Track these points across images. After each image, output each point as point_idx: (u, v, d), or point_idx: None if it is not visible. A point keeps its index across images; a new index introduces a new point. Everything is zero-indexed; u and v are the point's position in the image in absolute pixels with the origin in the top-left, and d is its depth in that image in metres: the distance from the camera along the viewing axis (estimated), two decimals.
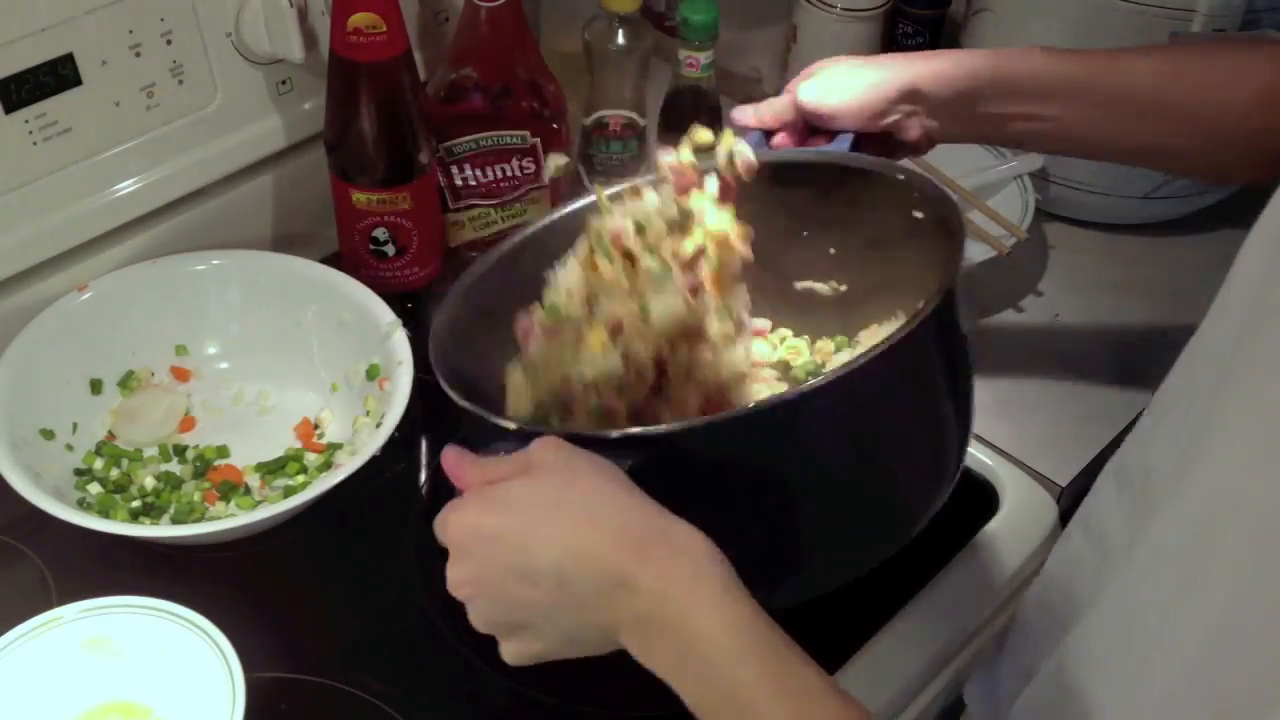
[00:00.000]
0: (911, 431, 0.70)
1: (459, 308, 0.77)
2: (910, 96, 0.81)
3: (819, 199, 0.83)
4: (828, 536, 0.69)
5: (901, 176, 0.78)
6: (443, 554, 0.61)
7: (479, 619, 0.60)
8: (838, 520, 0.69)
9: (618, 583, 0.55)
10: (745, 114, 0.87)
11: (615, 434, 0.63)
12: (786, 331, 0.90)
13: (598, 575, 0.56)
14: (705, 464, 0.63)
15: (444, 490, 0.63)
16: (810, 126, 0.86)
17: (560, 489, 0.58)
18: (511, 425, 0.64)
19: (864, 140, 0.85)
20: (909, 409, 0.70)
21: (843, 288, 0.87)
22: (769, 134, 0.87)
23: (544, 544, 0.57)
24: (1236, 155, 0.81)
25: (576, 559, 0.56)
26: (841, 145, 0.84)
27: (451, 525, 0.59)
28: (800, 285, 0.88)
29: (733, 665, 0.54)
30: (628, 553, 0.56)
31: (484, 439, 0.65)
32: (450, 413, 0.79)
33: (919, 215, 0.77)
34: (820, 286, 0.88)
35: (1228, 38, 0.98)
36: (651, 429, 0.64)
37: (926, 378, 0.70)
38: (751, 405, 0.67)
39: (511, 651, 0.60)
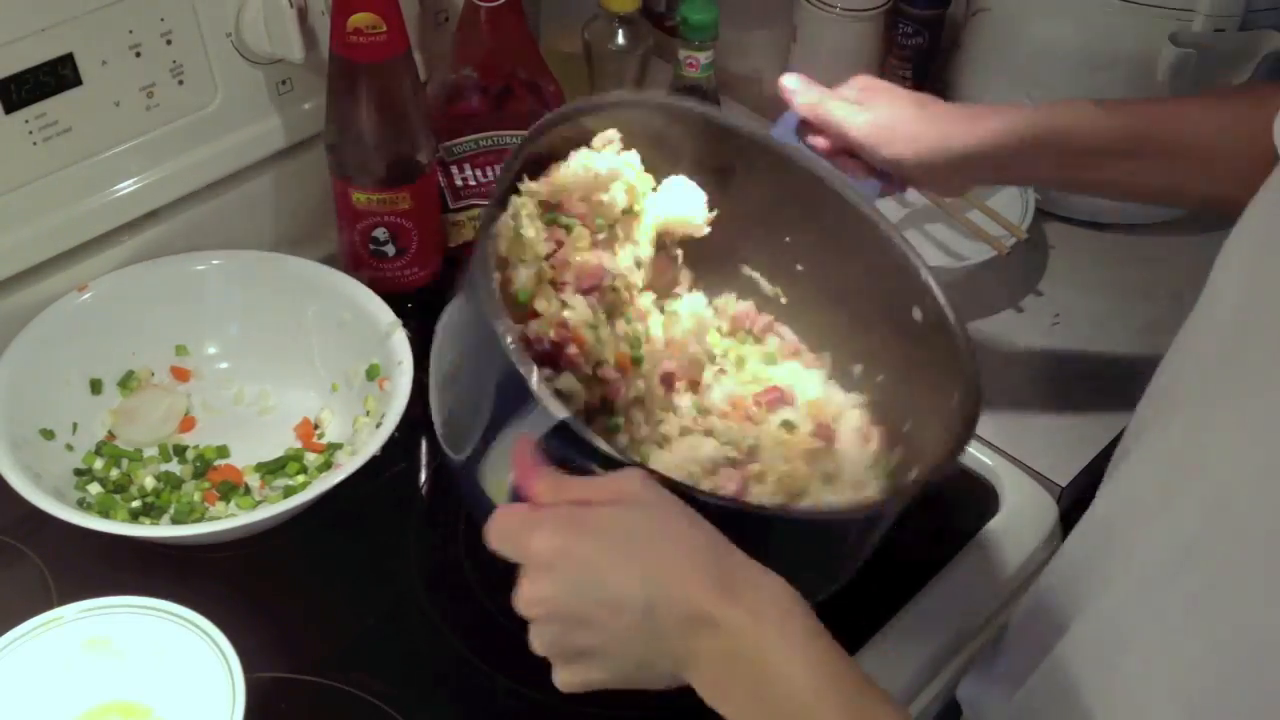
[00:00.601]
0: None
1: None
2: (964, 159, 0.80)
3: (821, 225, 0.83)
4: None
5: (925, 278, 0.78)
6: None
7: (543, 641, 0.60)
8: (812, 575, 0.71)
9: (703, 620, 0.56)
10: (792, 91, 0.83)
11: (701, 494, 0.63)
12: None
13: (686, 609, 0.56)
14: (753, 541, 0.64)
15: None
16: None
17: (653, 523, 0.58)
18: (613, 453, 0.62)
19: (893, 181, 0.84)
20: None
21: (783, 300, 0.87)
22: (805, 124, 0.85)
23: (635, 575, 0.57)
24: None
25: (666, 592, 0.56)
26: (872, 185, 0.83)
27: (539, 542, 0.58)
28: (747, 271, 0.88)
29: (814, 705, 0.55)
30: (718, 592, 0.56)
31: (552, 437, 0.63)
32: None
33: (917, 316, 0.78)
34: (765, 285, 0.88)
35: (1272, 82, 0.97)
36: (728, 500, 0.69)
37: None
38: (838, 509, 0.74)
39: (568, 679, 0.60)
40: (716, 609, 0.56)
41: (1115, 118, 0.80)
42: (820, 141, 0.83)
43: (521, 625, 0.60)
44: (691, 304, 0.86)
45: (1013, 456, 0.95)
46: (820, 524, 0.70)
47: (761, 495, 0.76)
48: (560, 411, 0.62)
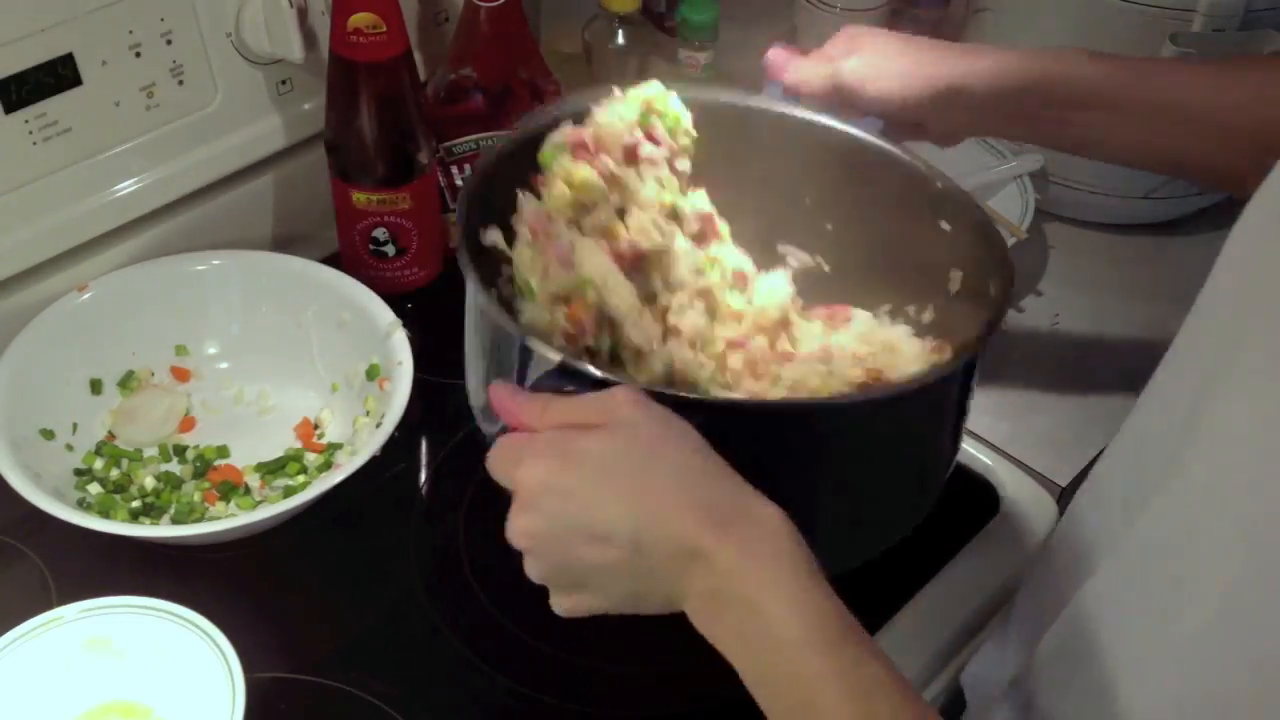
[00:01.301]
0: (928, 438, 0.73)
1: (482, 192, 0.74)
2: (952, 93, 0.79)
3: (835, 170, 0.81)
4: (847, 521, 0.71)
5: (940, 184, 0.77)
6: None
7: (536, 571, 0.59)
8: (857, 508, 0.71)
9: (694, 554, 0.55)
10: (780, 66, 0.83)
11: (690, 396, 0.62)
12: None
13: (675, 544, 0.55)
14: (762, 440, 0.63)
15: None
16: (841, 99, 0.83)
17: (645, 451, 0.56)
18: (596, 373, 0.61)
19: (891, 125, 0.82)
20: (937, 421, 0.73)
21: (826, 267, 0.85)
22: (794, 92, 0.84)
23: (623, 508, 0.55)
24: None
25: (655, 526, 0.55)
26: (872, 123, 0.82)
27: (524, 474, 0.57)
28: (782, 249, 0.85)
29: (802, 653, 0.54)
30: (709, 527, 0.55)
31: (541, 379, 0.63)
32: (450, 412, 0.79)
33: (946, 227, 0.77)
34: (804, 256, 0.85)
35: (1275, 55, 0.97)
36: (725, 398, 0.66)
37: (956, 400, 0.73)
38: (822, 399, 0.69)
39: (565, 604, 0.60)
40: (707, 542, 0.54)
41: (1107, 67, 0.79)
42: (815, 103, 0.82)
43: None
44: (772, 286, 0.82)
45: (1013, 456, 0.95)
46: (870, 413, 0.65)
47: None
48: (546, 350, 0.61)
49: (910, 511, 0.73)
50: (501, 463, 0.59)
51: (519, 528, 0.58)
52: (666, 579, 0.56)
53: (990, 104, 0.80)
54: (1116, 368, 1.03)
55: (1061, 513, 0.93)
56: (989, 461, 0.95)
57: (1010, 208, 1.09)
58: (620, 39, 1.05)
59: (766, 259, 0.84)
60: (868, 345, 0.78)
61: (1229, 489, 0.52)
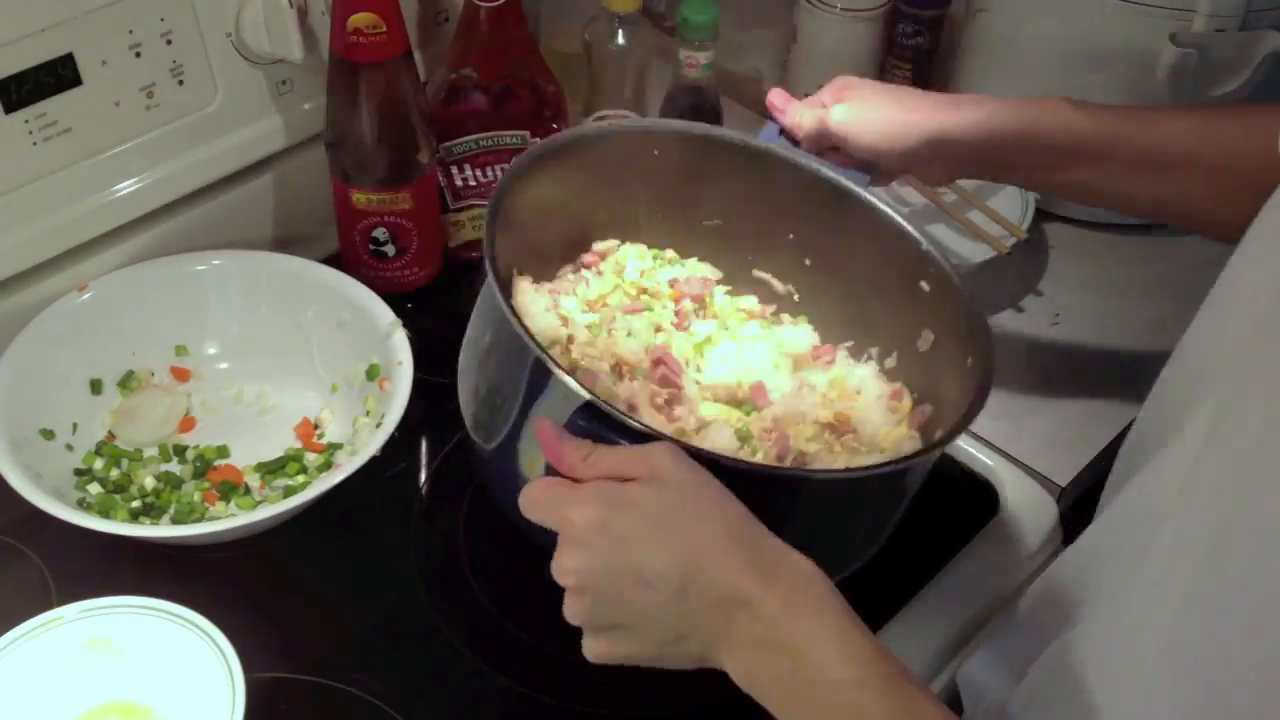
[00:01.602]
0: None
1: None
2: (935, 146, 0.81)
3: (819, 214, 0.84)
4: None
5: (925, 247, 0.80)
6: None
7: (577, 610, 0.61)
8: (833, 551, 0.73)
9: (740, 603, 0.57)
10: (780, 109, 0.86)
11: (726, 458, 0.64)
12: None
13: (721, 591, 0.57)
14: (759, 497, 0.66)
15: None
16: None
17: (691, 502, 0.59)
18: (640, 426, 0.64)
19: (880, 171, 0.86)
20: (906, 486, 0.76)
21: (796, 297, 0.89)
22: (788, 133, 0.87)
23: (673, 555, 0.58)
24: None
25: (702, 573, 0.57)
26: (860, 177, 0.85)
27: (577, 514, 0.59)
28: (758, 274, 0.90)
29: (859, 693, 0.56)
30: (756, 575, 0.57)
31: (565, 415, 0.65)
32: (450, 412, 0.79)
33: (925, 287, 0.80)
34: (777, 285, 0.89)
35: (1259, 103, 0.97)
36: (760, 466, 0.71)
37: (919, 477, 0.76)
38: (842, 471, 0.74)
39: (598, 649, 0.61)
40: (753, 590, 0.56)
41: (1091, 119, 0.81)
42: (804, 146, 0.86)
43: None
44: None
45: (1013, 456, 0.95)
46: (852, 484, 0.70)
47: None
48: (582, 392, 0.63)
49: (866, 549, 0.77)
50: (547, 505, 0.61)
51: (569, 566, 0.60)
52: (708, 627, 0.58)
53: (976, 154, 0.82)
54: (1116, 368, 1.03)
55: (1062, 513, 0.94)
56: (989, 461, 0.95)
57: (1010, 208, 1.09)
58: (620, 39, 1.05)
59: (742, 280, 0.90)
60: (836, 388, 0.82)
61: (1263, 494, 0.51)
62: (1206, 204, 0.81)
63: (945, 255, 0.79)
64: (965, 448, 0.96)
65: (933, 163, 0.83)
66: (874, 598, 0.84)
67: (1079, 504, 0.97)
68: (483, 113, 1.00)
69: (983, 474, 0.95)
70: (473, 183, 1.03)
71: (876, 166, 0.85)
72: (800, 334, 0.88)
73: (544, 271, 0.87)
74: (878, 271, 0.83)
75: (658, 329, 0.84)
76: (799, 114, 0.86)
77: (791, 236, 0.87)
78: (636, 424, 0.63)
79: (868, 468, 0.72)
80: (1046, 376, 1.02)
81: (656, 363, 0.81)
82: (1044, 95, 0.84)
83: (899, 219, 0.82)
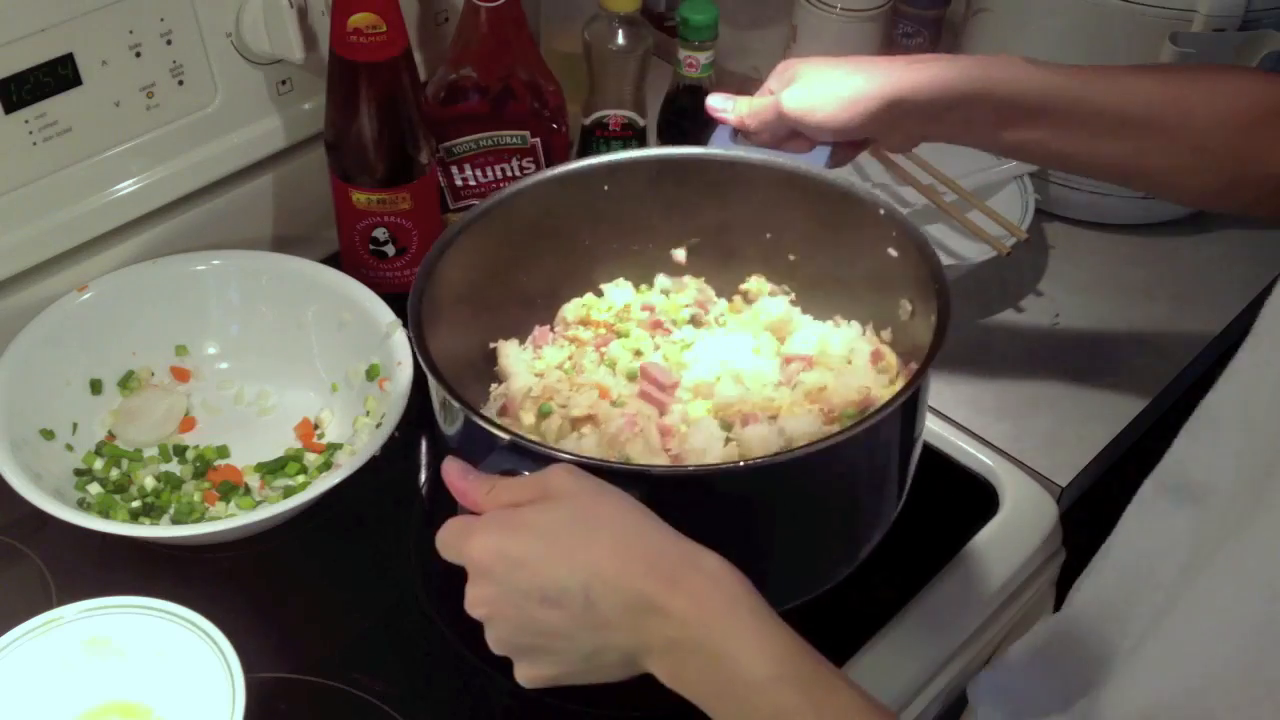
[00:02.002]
0: (871, 476, 0.75)
1: (434, 285, 0.77)
2: (892, 107, 0.79)
3: (788, 206, 0.84)
4: (790, 566, 0.74)
5: (883, 212, 0.79)
6: (443, 562, 0.62)
7: (496, 640, 0.61)
8: (800, 552, 0.73)
9: (648, 608, 0.56)
10: (721, 107, 0.86)
11: (623, 467, 0.65)
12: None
13: (627, 598, 0.57)
14: (701, 502, 0.66)
15: (444, 499, 0.64)
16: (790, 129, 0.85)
17: (585, 515, 0.59)
18: (540, 449, 0.65)
19: (843, 145, 0.85)
20: (876, 458, 0.74)
21: (793, 294, 0.89)
22: (741, 130, 0.86)
23: (571, 567, 0.57)
24: (1220, 180, 0.81)
25: (605, 582, 0.57)
26: (819, 153, 0.84)
27: (474, 547, 0.60)
28: (752, 281, 0.90)
29: (774, 689, 0.55)
30: (659, 579, 0.57)
31: (482, 448, 0.66)
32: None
33: (893, 253, 0.79)
34: (770, 286, 0.89)
35: (1217, 64, 0.97)
36: (654, 467, 0.70)
37: (894, 436, 0.73)
38: (744, 463, 0.70)
39: (526, 674, 0.61)
40: (658, 594, 0.56)
41: (1048, 76, 0.79)
42: (761, 138, 0.84)
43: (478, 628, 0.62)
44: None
45: (1013, 456, 0.95)
46: (776, 470, 0.67)
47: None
48: (477, 419, 0.65)
49: (845, 559, 0.76)
50: (452, 541, 0.62)
51: (476, 597, 0.60)
52: (623, 635, 0.58)
53: (934, 114, 0.80)
54: (1116, 368, 1.03)
55: (1062, 513, 0.94)
56: (989, 461, 0.95)
57: (1010, 208, 1.09)
58: (620, 39, 1.05)
59: (733, 290, 0.90)
60: (824, 358, 0.82)
61: None
62: (1163, 166, 0.81)
63: (906, 218, 0.78)
64: (965, 448, 0.96)
65: (893, 127, 0.81)
66: (874, 597, 0.85)
67: (1079, 504, 0.97)
68: (483, 113, 1.00)
69: (983, 474, 0.94)
70: (472, 183, 1.03)
71: (839, 143, 0.83)
72: (776, 304, 0.87)
73: (528, 328, 0.88)
74: (853, 248, 0.82)
75: (637, 353, 0.85)
76: (742, 106, 0.84)
77: (769, 235, 0.87)
78: (549, 450, 0.64)
79: (790, 451, 0.70)
80: (1046, 376, 1.02)
81: (643, 378, 0.81)
82: None
83: (858, 189, 0.81)
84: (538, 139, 1.01)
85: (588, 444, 0.76)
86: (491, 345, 0.85)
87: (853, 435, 0.66)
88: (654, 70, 1.10)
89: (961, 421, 0.97)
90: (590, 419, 0.78)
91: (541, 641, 0.60)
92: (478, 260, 0.80)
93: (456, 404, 0.68)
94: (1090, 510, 0.99)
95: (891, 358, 0.82)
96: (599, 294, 0.89)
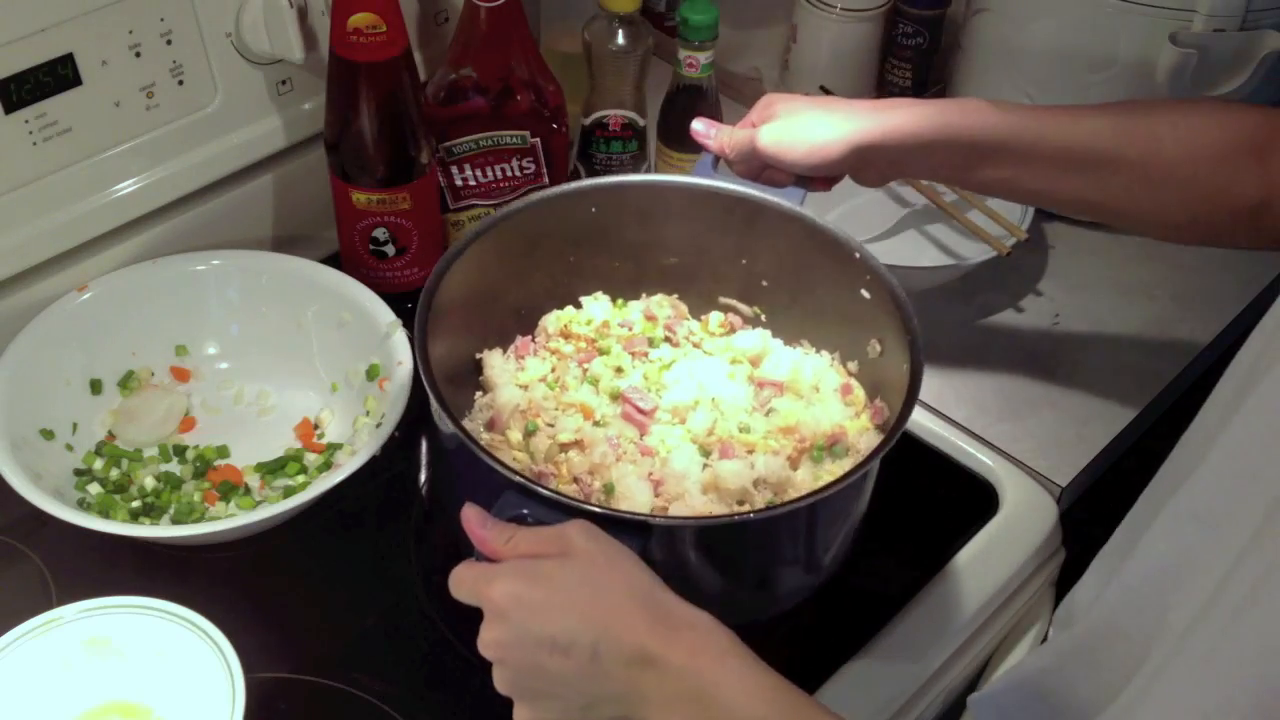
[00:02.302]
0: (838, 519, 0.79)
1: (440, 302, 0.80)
2: (861, 152, 0.82)
3: (764, 236, 0.88)
4: (755, 597, 0.79)
5: (858, 255, 0.83)
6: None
7: (503, 681, 0.64)
8: (766, 586, 0.79)
9: (647, 661, 0.60)
10: (705, 135, 0.89)
11: (630, 516, 0.70)
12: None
13: (629, 652, 0.61)
14: (689, 551, 0.72)
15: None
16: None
17: (599, 574, 0.63)
18: (554, 496, 0.69)
19: (815, 180, 0.87)
20: (852, 502, 0.79)
21: (762, 317, 0.93)
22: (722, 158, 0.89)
23: (583, 620, 0.61)
24: (1185, 213, 0.82)
25: (611, 636, 0.61)
26: (795, 192, 0.87)
27: (495, 591, 0.63)
28: (725, 300, 0.93)
29: None
30: (660, 633, 0.61)
31: (495, 490, 0.69)
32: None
33: (865, 295, 0.83)
34: (744, 308, 0.93)
35: (1186, 99, 0.98)
36: (652, 516, 0.75)
37: (870, 480, 0.79)
38: (735, 515, 0.76)
39: (525, 716, 0.65)
40: (659, 648, 0.60)
41: (1009, 118, 0.82)
42: (740, 168, 0.88)
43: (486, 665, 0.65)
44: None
45: (1013, 456, 0.95)
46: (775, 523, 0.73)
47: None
48: (505, 470, 0.69)
49: (812, 583, 0.80)
50: (470, 583, 0.65)
51: (489, 639, 0.64)
52: (624, 689, 0.61)
53: (903, 158, 0.83)
54: (1116, 368, 1.03)
55: (1062, 513, 0.94)
56: (989, 461, 0.95)
57: (1010, 207, 1.09)
58: (620, 39, 1.05)
59: (708, 309, 0.94)
60: (795, 384, 0.86)
61: None
62: (1130, 200, 0.83)
63: (881, 265, 0.82)
64: (965, 447, 0.96)
65: (863, 168, 0.85)
66: (874, 597, 0.85)
67: (1079, 504, 0.97)
68: (482, 113, 1.00)
69: (983, 474, 0.95)
70: (472, 183, 1.03)
71: (810, 178, 0.87)
72: (752, 336, 0.90)
73: (510, 339, 0.91)
74: (825, 283, 0.86)
75: (618, 369, 0.87)
76: (724, 136, 0.88)
77: (744, 261, 0.91)
78: (559, 497, 0.68)
79: (776, 506, 0.75)
80: (1046, 376, 1.02)
81: (624, 402, 0.85)
82: (1044, 94, 0.83)
83: (834, 230, 0.85)
84: (538, 139, 1.01)
85: (575, 466, 0.80)
86: (478, 356, 0.88)
87: (842, 488, 0.71)
88: (654, 70, 1.10)
89: (961, 421, 0.97)
90: (577, 443, 0.82)
91: (545, 687, 0.63)
92: (474, 276, 0.83)
93: (475, 448, 0.71)
94: (1090, 510, 1.00)
95: (859, 392, 0.86)
96: (578, 306, 0.92)
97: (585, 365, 0.87)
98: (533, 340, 0.90)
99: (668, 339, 0.91)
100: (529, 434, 0.82)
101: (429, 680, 0.81)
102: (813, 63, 1.21)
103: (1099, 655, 0.71)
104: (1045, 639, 0.91)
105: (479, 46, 0.98)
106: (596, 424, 0.83)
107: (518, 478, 0.69)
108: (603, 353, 0.88)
